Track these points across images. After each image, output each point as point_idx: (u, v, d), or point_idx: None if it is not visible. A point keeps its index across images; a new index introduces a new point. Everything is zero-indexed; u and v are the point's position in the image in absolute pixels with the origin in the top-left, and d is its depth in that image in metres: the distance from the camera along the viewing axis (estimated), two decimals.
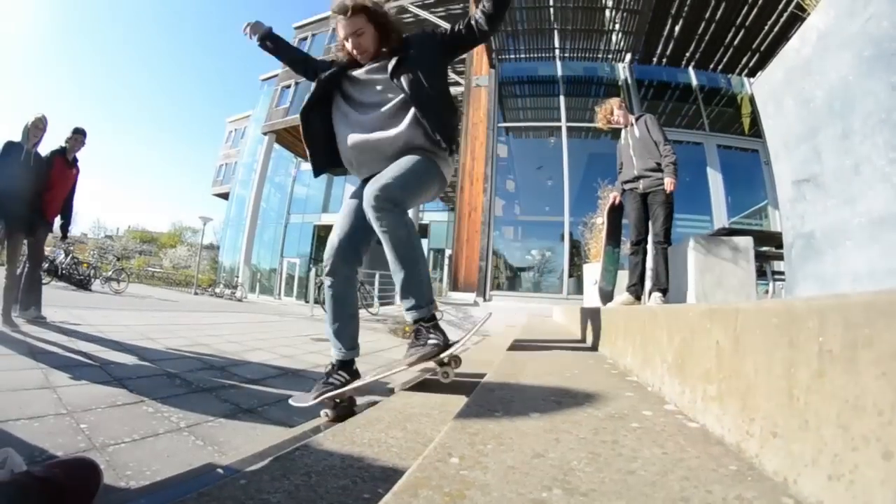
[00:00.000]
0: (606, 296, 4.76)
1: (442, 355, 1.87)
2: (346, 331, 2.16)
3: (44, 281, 5.18)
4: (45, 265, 8.47)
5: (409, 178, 1.90)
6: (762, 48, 7.41)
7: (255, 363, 3.88)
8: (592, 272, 5.59)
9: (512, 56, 8.81)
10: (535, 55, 8.73)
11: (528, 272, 8.06)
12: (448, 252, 19.38)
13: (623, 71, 8.38)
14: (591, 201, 6.30)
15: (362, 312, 11.48)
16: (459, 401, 1.82)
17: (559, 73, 8.60)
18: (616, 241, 4.87)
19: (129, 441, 1.88)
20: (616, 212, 4.69)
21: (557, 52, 8.52)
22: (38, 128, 4.68)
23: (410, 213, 2.01)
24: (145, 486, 1.48)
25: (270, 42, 2.34)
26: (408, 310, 1.92)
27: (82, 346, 3.90)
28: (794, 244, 1.86)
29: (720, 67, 8.15)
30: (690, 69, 8.34)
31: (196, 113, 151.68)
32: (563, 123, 7.95)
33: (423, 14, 12.01)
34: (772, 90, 2.02)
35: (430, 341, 1.87)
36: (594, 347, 2.38)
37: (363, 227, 2.05)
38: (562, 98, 8.29)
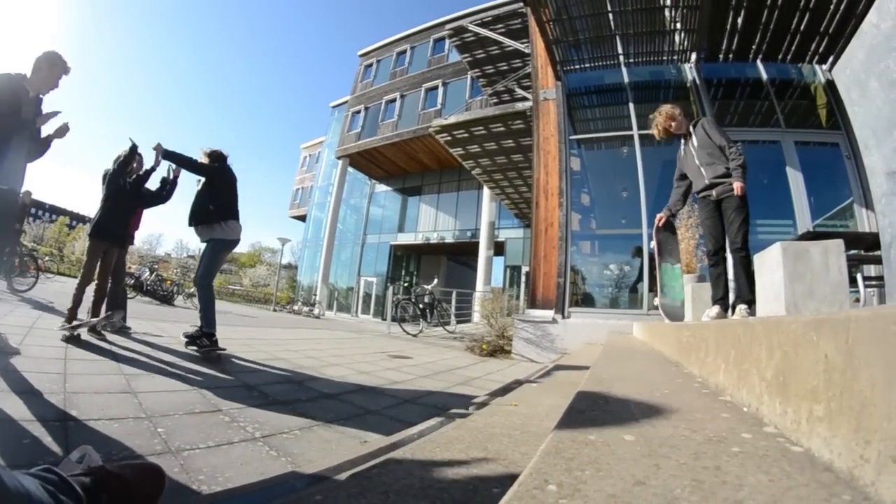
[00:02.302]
0: (674, 311, 4.54)
1: None
2: None
3: (129, 295, 5.53)
4: (131, 282, 9.01)
5: None
6: (830, 30, 6.87)
7: (332, 378, 3.90)
8: None
9: (577, 66, 8.63)
10: (600, 63, 8.51)
11: (606, 288, 7.81)
12: (524, 269, 19.29)
13: (690, 71, 8.01)
14: None
15: (439, 330, 11.92)
16: (540, 422, 1.86)
17: (626, 79, 8.33)
18: (672, 258, 4.68)
19: (203, 447, 1.92)
20: (666, 230, 4.58)
21: (622, 58, 8.28)
22: (134, 153, 5.00)
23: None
24: (217, 493, 1.52)
25: None
26: None
27: (163, 355, 4.06)
28: (893, 244, 1.69)
29: (789, 57, 7.59)
30: (759, 62, 7.83)
31: (271, 141, 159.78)
32: (635, 132, 7.70)
33: (485, 32, 12.09)
34: (853, 73, 1.86)
35: None
36: (680, 365, 2.26)
37: None
38: (631, 105, 8.02)
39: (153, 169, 4.96)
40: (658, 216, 4.43)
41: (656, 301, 4.81)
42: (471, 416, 2.07)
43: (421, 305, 11.93)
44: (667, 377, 1.90)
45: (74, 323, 4.28)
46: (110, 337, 4.64)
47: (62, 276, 15.46)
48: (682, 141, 4.17)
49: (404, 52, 26.86)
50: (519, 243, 20.87)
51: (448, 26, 13.22)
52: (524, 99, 11.76)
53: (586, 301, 7.61)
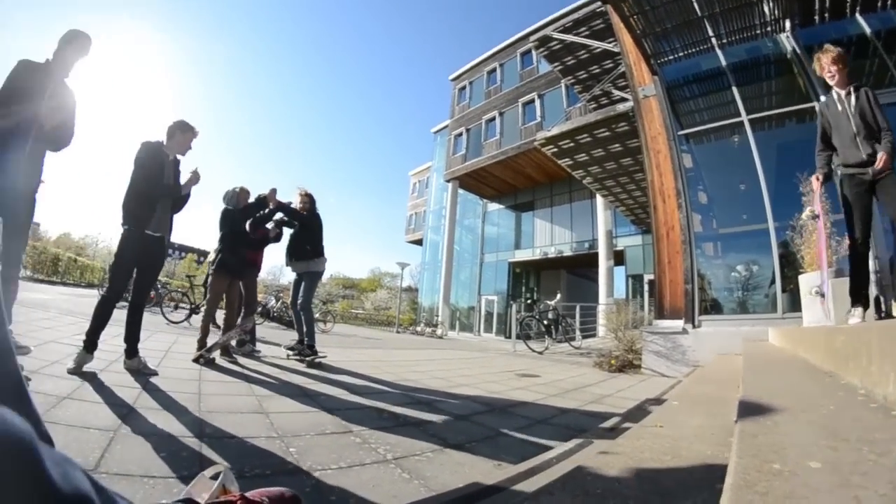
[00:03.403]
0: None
1: None
2: None
3: (257, 322, 6.00)
4: (259, 309, 9.63)
5: None
6: None
7: (461, 399, 3.86)
8: (810, 283, 4.79)
9: (670, 57, 8.09)
10: (693, 50, 7.90)
11: (735, 292, 7.17)
12: (647, 277, 18.40)
13: (787, 41, 7.11)
14: (794, 200, 5.42)
15: (565, 346, 11.64)
16: (689, 445, 1.77)
17: (723, 62, 7.59)
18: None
19: (335, 468, 1.92)
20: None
21: (714, 40, 7.61)
22: (246, 194, 5.55)
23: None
24: None
25: None
26: None
27: (293, 377, 4.22)
28: None
29: (889, 2, 6.53)
30: (858, 16, 6.81)
31: (381, 172, 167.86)
32: (744, 117, 7.02)
33: (569, 38, 11.82)
34: None
35: None
36: (836, 375, 2.02)
37: None
38: (734, 90, 7.28)
39: (268, 212, 5.49)
40: (815, 177, 3.80)
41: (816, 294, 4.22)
42: (617, 441, 1.96)
43: (545, 322, 11.71)
44: (825, 390, 1.74)
45: (208, 346, 4.71)
46: (241, 360, 5.01)
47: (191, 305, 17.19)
48: (836, 98, 3.63)
49: (494, 70, 27.04)
50: (638, 251, 19.98)
51: (532, 38, 13.15)
52: (623, 100, 11.29)
53: (715, 308, 7.04)
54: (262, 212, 5.47)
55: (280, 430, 2.43)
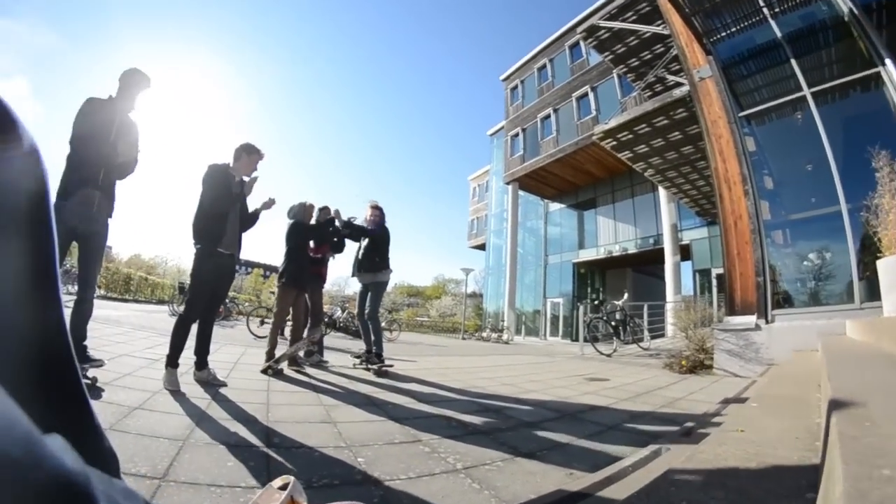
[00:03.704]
0: None
1: None
2: None
3: (324, 332, 6.16)
4: (326, 319, 9.88)
5: None
6: None
7: (530, 405, 3.82)
8: (890, 268, 4.26)
9: (723, 34, 7.54)
10: (746, 24, 7.32)
11: (808, 282, 6.58)
12: (714, 272, 17.52)
13: (843, 2, 6.39)
14: (866, 177, 4.84)
15: (633, 348, 11.38)
16: (775, 450, 1.68)
17: (777, 33, 6.93)
18: None
19: (404, 478, 1.91)
20: None
21: (765, 11, 7.02)
22: (311, 209, 5.76)
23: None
24: None
25: None
26: None
27: (361, 387, 4.25)
28: None
29: None
30: None
31: (440, 179, 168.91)
32: (806, 91, 6.38)
33: (616, 25, 11.38)
34: None
35: None
36: None
37: None
38: (793, 62, 6.63)
39: (334, 229, 5.74)
40: None
41: None
42: (699, 447, 1.86)
43: (613, 323, 11.49)
44: None
45: (276, 357, 4.83)
46: (309, 370, 5.10)
47: (259, 319, 17.89)
48: None
49: (544, 66, 26.56)
50: (705, 244, 18.99)
51: (579, 29, 12.87)
52: (679, 84, 10.77)
53: (788, 301, 6.49)
54: (329, 229, 5.74)
55: (348, 439, 2.44)
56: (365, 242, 5.64)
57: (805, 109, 6.58)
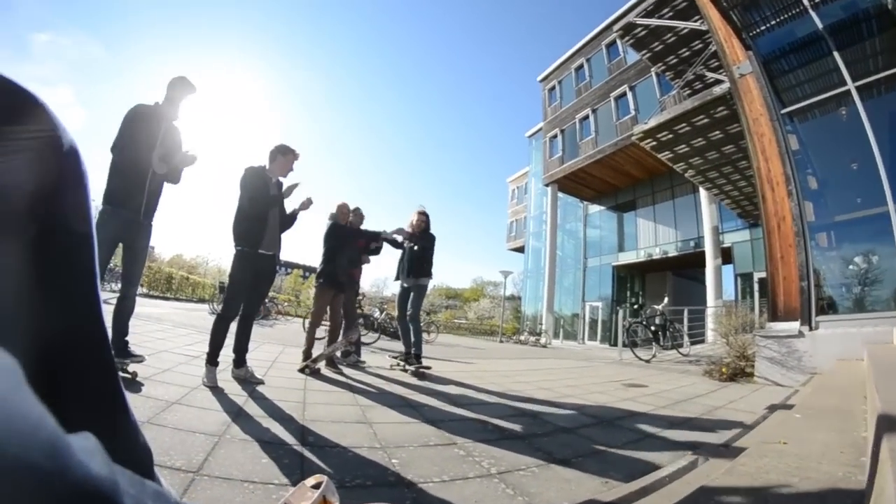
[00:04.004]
0: None
1: None
2: None
3: (362, 333, 6.21)
4: (362, 321, 10.01)
5: None
6: None
7: (567, 410, 3.77)
8: None
9: (762, 28, 7.20)
10: (785, 16, 6.98)
11: (853, 287, 6.25)
12: (756, 276, 16.90)
13: None
14: None
15: (672, 354, 11.16)
16: (818, 465, 1.64)
17: (818, 24, 6.55)
18: None
19: (437, 481, 1.90)
20: None
21: (805, 2, 6.64)
22: (347, 212, 5.86)
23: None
24: None
25: None
26: None
27: (397, 388, 4.26)
28: None
29: None
30: None
31: (478, 181, 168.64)
32: (850, 85, 6.02)
33: (653, 22, 11.08)
34: None
35: None
36: None
37: None
38: (836, 55, 6.27)
39: (379, 240, 6.10)
40: None
41: None
42: (739, 460, 1.81)
43: (652, 328, 11.29)
44: None
45: (313, 357, 4.91)
46: (346, 370, 5.15)
47: (298, 318, 18.13)
48: None
49: (581, 66, 26.19)
50: (746, 247, 18.29)
51: (615, 28, 12.55)
52: (719, 82, 10.44)
53: (832, 307, 6.18)
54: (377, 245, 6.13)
55: (383, 440, 2.45)
56: (411, 248, 5.75)
57: (849, 104, 6.25)
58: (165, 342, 5.42)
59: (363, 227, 6.13)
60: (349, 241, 5.72)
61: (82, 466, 0.34)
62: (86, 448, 0.36)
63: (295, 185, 4.09)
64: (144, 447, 0.60)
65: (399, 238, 5.92)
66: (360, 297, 9.08)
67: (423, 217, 5.85)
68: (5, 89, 0.41)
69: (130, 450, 0.56)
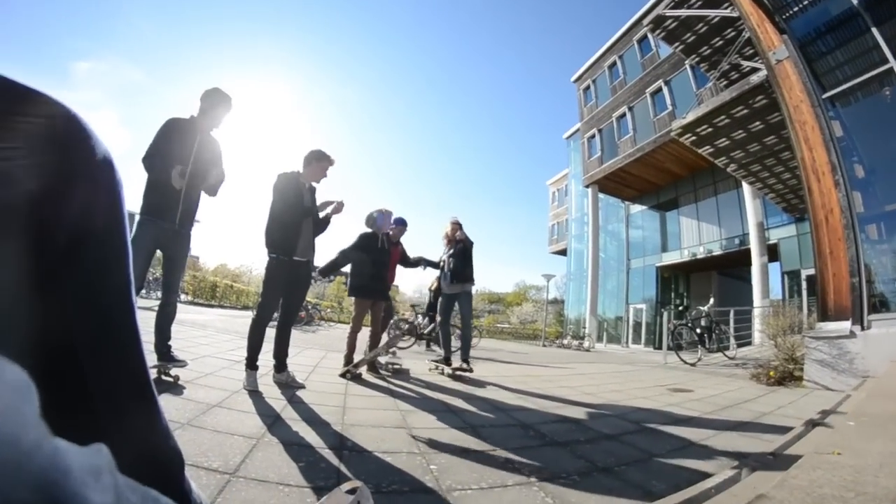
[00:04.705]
0: None
1: None
2: None
3: (403, 338, 6.13)
4: (406, 326, 10.01)
5: None
6: None
7: (610, 416, 3.69)
8: None
9: (795, 9, 6.80)
10: None
11: None
12: (804, 273, 16.22)
13: None
14: None
15: (718, 357, 10.86)
16: (875, 478, 1.55)
17: (854, 0, 6.30)
18: None
19: (475, 488, 1.87)
20: None
21: None
22: (389, 221, 5.70)
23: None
24: None
25: None
26: None
27: (437, 393, 4.24)
28: None
29: None
30: None
31: (518, 186, 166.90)
32: (893, 62, 5.56)
33: (683, 12, 10.75)
34: None
35: None
36: None
37: None
38: (874, 31, 5.84)
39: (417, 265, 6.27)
40: None
41: None
42: (790, 472, 1.71)
43: (698, 330, 10.97)
44: None
45: (355, 362, 4.94)
46: (387, 375, 5.18)
47: (342, 324, 18.27)
48: None
49: (614, 64, 25.88)
50: (793, 242, 17.53)
51: (645, 21, 12.36)
52: (755, 70, 10.03)
53: (884, 304, 5.77)
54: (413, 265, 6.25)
55: (422, 446, 2.42)
56: (453, 255, 5.87)
57: (893, 83, 5.88)
58: (209, 347, 5.55)
59: (402, 239, 6.16)
60: (384, 256, 5.60)
61: (77, 498, 0.34)
62: (90, 468, 0.36)
63: (331, 203, 4.09)
64: (174, 450, 0.61)
65: (435, 260, 6.17)
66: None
67: (457, 225, 5.98)
68: (38, 101, 0.41)
69: (156, 452, 0.58)
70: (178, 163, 3.38)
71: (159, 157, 3.36)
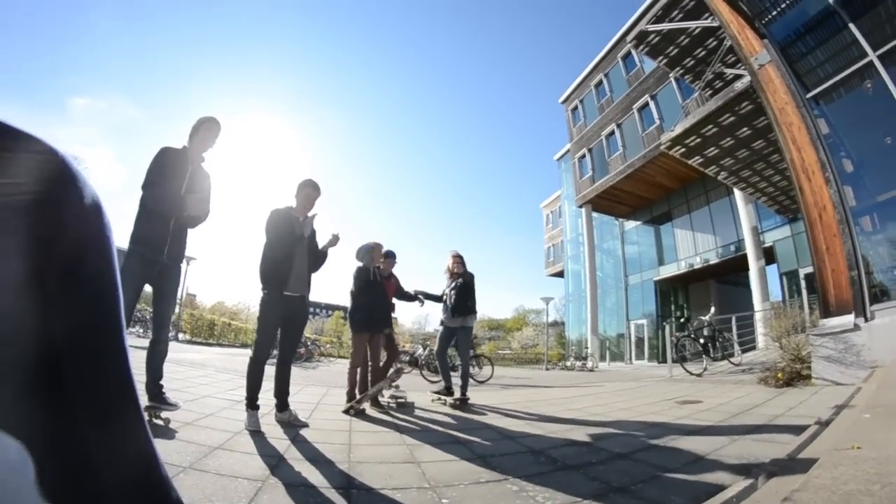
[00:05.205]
0: None
1: None
2: None
3: (406, 371, 6.06)
4: (407, 358, 9.88)
5: None
6: None
7: (621, 434, 3.66)
8: None
9: (773, 13, 6.97)
10: None
11: None
12: (802, 272, 16.30)
13: None
14: None
15: (723, 364, 10.79)
16: None
17: None
18: None
19: None
20: None
21: None
22: (378, 253, 5.67)
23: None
24: None
25: None
26: None
27: (444, 425, 4.19)
28: None
29: None
30: None
31: (513, 211, 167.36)
32: (872, 56, 5.66)
33: (664, 27, 10.99)
34: None
35: None
36: None
37: None
38: (852, 27, 5.99)
39: (415, 300, 6.27)
40: None
41: None
42: (812, 473, 1.69)
43: (701, 340, 10.95)
44: None
45: (357, 397, 4.88)
46: (391, 409, 5.11)
47: (342, 359, 18.03)
48: None
49: (600, 82, 26.21)
50: (789, 243, 17.67)
51: (628, 38, 12.63)
52: (739, 77, 10.24)
53: (885, 293, 5.78)
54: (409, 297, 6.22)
55: (432, 479, 2.39)
56: (455, 288, 5.91)
57: (874, 76, 5.99)
58: (208, 387, 5.47)
59: (394, 271, 6.12)
60: (377, 288, 5.57)
61: None
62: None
63: (313, 217, 4.06)
64: (176, 499, 0.57)
65: (437, 293, 6.20)
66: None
67: (458, 258, 6.08)
68: (32, 146, 0.41)
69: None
70: (170, 194, 3.38)
71: (158, 186, 3.36)
